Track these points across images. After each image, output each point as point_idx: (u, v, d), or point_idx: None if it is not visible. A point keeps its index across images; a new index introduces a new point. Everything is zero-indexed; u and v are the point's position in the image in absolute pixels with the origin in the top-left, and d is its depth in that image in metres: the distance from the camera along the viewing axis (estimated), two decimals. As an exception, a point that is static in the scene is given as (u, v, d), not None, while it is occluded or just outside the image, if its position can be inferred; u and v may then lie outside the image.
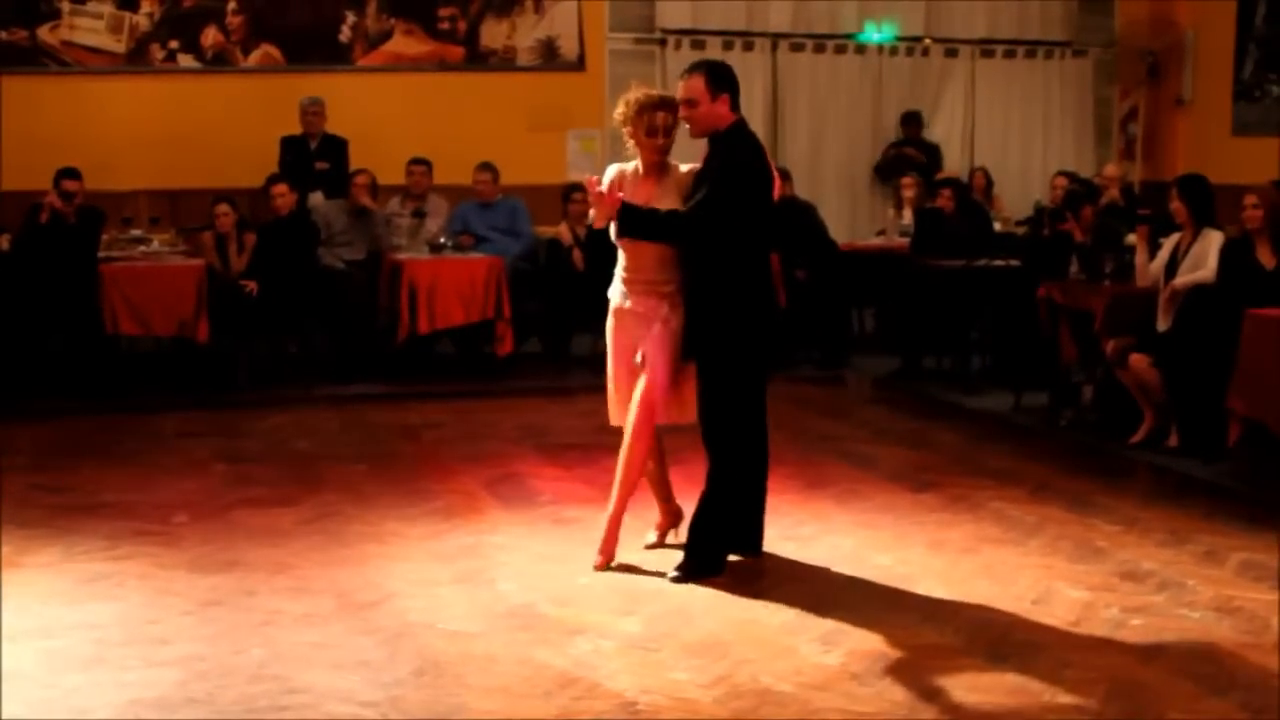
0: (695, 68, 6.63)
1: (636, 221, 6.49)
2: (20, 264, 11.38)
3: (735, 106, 6.58)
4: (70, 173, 11.61)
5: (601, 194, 6.49)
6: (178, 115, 13.68)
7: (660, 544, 7.05)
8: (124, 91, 13.72)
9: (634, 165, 6.76)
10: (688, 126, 6.63)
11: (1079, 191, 10.96)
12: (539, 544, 7.18)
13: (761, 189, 6.58)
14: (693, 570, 6.57)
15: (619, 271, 6.79)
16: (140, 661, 5.52)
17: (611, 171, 6.79)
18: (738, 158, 6.51)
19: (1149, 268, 9.67)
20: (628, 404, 6.74)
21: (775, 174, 6.74)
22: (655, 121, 6.58)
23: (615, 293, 6.80)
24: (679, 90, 6.61)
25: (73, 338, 11.31)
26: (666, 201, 6.58)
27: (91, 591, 6.41)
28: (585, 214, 12.40)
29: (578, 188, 12.29)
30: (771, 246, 6.82)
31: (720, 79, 6.54)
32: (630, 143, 6.72)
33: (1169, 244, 9.59)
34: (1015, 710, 5.08)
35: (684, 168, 6.68)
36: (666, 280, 6.65)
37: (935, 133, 15.78)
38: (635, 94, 6.65)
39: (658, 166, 6.69)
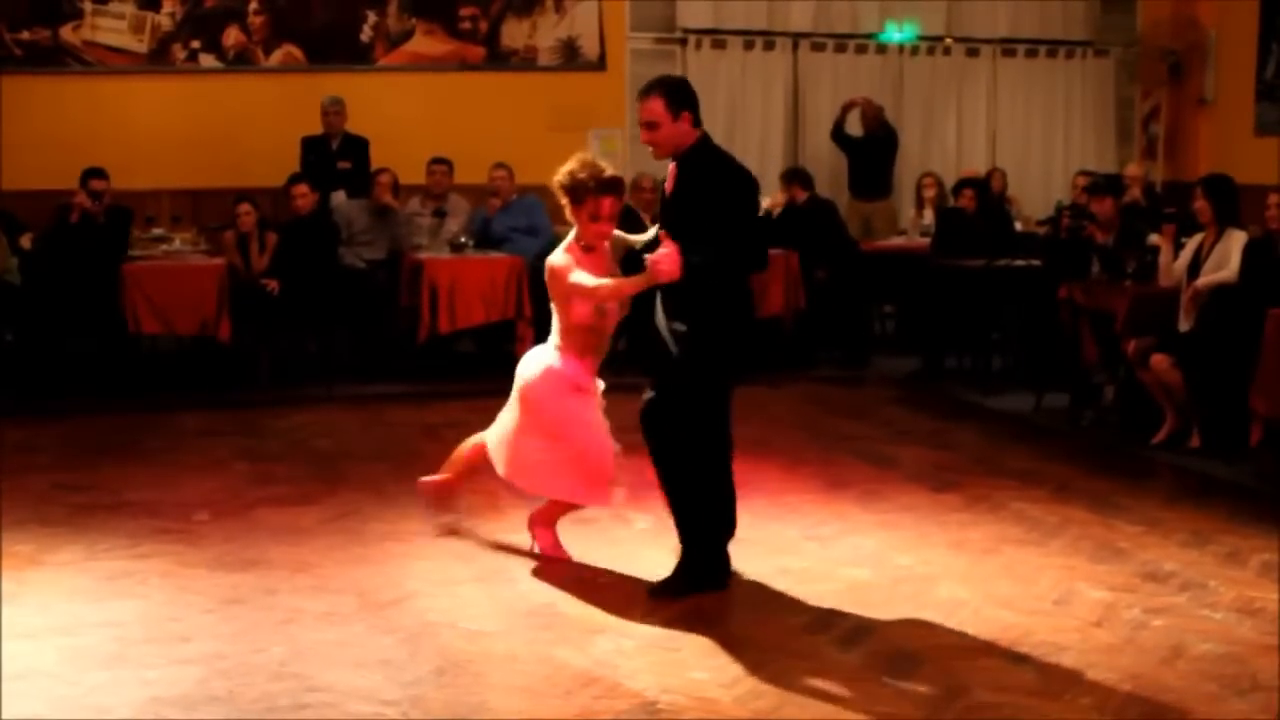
0: (651, 88, 6.31)
1: (707, 269, 6.13)
2: (49, 263, 11.46)
3: (697, 122, 6.33)
4: (98, 172, 11.69)
5: (663, 256, 6.04)
6: (199, 115, 13.72)
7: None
8: (146, 91, 13.76)
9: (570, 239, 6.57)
10: (651, 150, 6.39)
11: (1101, 183, 10.92)
12: (559, 543, 7.18)
13: (750, 203, 6.40)
14: (681, 587, 6.37)
15: (557, 339, 6.65)
16: (162, 659, 5.54)
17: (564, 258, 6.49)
18: (726, 170, 6.29)
19: (1173, 268, 9.64)
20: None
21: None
22: (600, 209, 6.40)
23: (579, 372, 6.63)
24: (639, 113, 6.37)
25: (99, 337, 11.35)
26: (604, 269, 6.46)
27: (113, 589, 6.43)
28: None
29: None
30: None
31: (679, 97, 6.27)
32: (566, 211, 6.53)
33: (1192, 244, 9.57)
34: (1036, 710, 5.07)
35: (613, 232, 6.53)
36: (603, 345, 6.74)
37: (955, 133, 15.76)
38: (583, 170, 6.40)
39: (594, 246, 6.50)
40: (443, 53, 14.44)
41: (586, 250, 6.52)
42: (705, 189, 6.24)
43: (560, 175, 6.48)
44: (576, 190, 6.41)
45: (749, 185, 6.33)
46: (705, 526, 6.47)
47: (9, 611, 6.08)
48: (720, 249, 6.14)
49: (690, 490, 6.43)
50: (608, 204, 6.40)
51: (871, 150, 14.65)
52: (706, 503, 6.45)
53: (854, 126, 14.76)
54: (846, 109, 14.67)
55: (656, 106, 6.26)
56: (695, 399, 6.32)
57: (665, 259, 6.00)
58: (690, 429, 6.33)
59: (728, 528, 6.52)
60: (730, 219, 6.21)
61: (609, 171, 6.46)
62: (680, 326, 6.28)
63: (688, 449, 6.35)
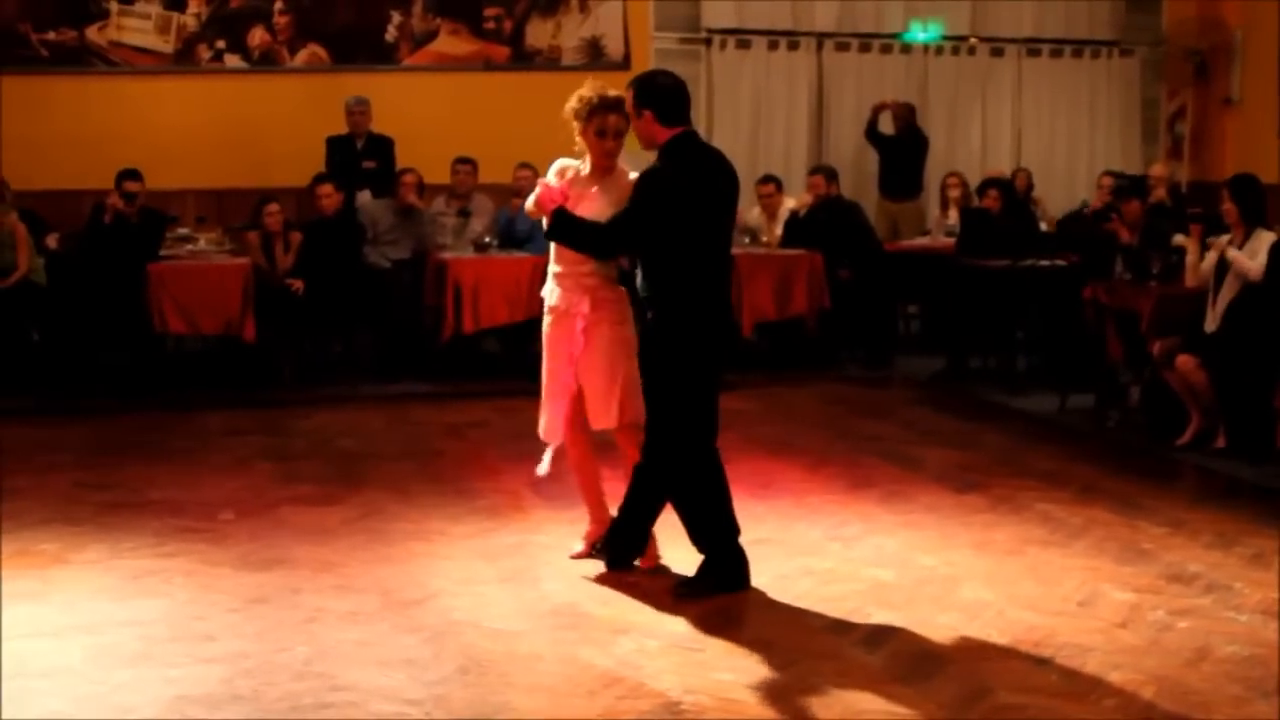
0: (630, 83, 6.50)
1: (564, 227, 6.47)
2: (80, 263, 11.51)
3: (673, 120, 6.36)
4: (131, 174, 11.73)
5: (549, 188, 6.53)
6: (224, 115, 13.76)
7: (587, 554, 6.90)
8: (171, 91, 13.80)
9: (580, 164, 6.69)
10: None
11: (1126, 185, 10.90)
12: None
13: (688, 203, 6.31)
14: (705, 586, 6.43)
15: (550, 268, 6.75)
16: (186, 658, 5.55)
17: (556, 166, 6.74)
18: (658, 174, 6.33)
19: (1200, 268, 9.61)
20: (561, 413, 6.74)
21: (720, 187, 6.49)
22: (606, 124, 6.50)
23: (547, 290, 6.76)
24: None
25: (127, 337, 11.39)
26: (607, 203, 6.49)
27: (138, 588, 6.45)
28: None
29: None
30: (719, 261, 6.50)
31: (645, 94, 6.38)
32: (579, 140, 6.63)
33: (1219, 248, 9.52)
34: (1060, 712, 5.05)
35: (632, 175, 6.55)
36: (589, 272, 6.59)
37: (980, 133, 15.74)
38: (589, 91, 6.56)
39: (604, 169, 6.61)
40: (467, 52, 14.46)
41: (589, 173, 6.63)
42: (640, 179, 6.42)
43: (569, 103, 6.61)
44: (583, 109, 6.56)
45: (665, 187, 6.30)
46: (717, 527, 6.49)
47: (35, 610, 6.11)
48: (599, 225, 6.42)
49: (692, 491, 6.49)
50: (613, 119, 6.51)
51: (903, 150, 14.63)
52: (711, 503, 6.49)
53: (887, 126, 14.75)
54: (878, 110, 14.66)
55: (628, 100, 6.44)
56: (669, 396, 6.37)
57: (546, 187, 6.54)
58: (675, 426, 6.38)
59: (735, 527, 6.54)
60: (627, 208, 6.36)
61: (613, 93, 6.58)
62: (649, 316, 6.42)
63: (678, 447, 6.41)
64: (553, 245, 6.67)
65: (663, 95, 6.39)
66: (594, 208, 6.51)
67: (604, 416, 6.66)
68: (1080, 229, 12.16)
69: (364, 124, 13.28)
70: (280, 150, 13.44)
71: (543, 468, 6.87)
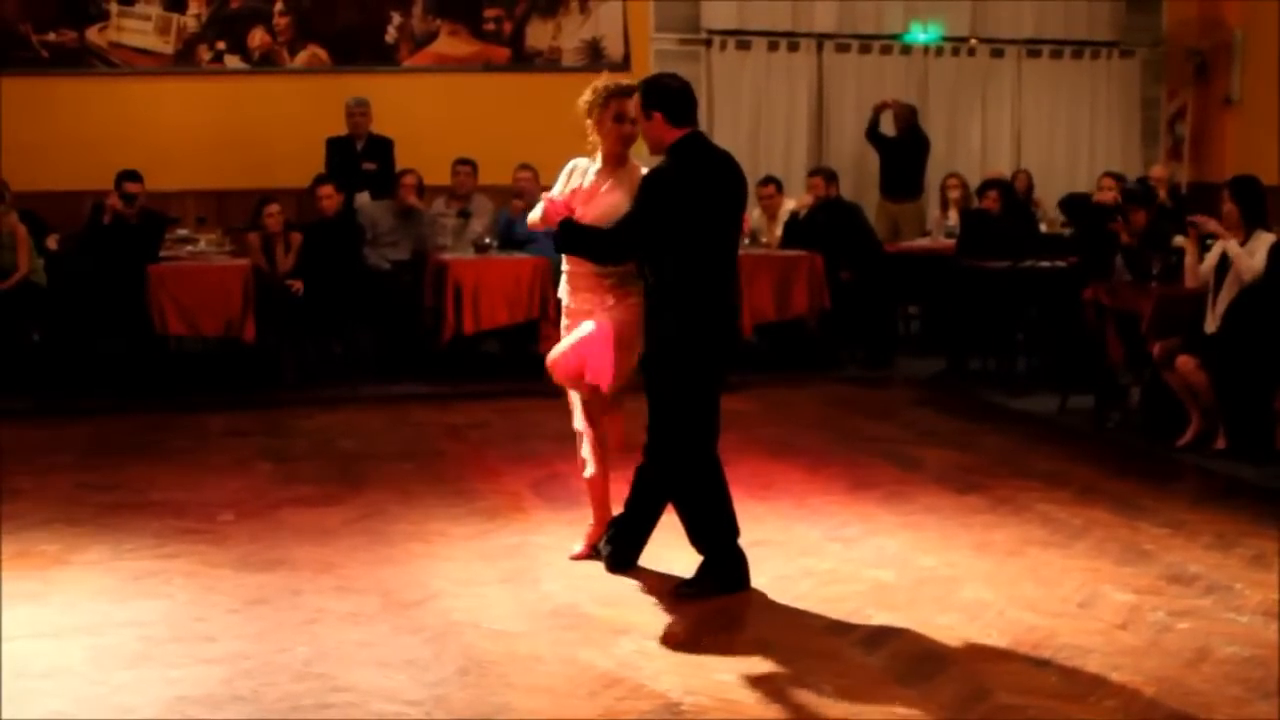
0: (638, 85, 6.52)
1: (572, 237, 6.48)
2: (79, 264, 11.51)
3: (681, 121, 6.36)
4: (131, 175, 11.72)
5: (553, 201, 6.56)
6: (224, 116, 13.77)
7: (587, 554, 6.92)
8: (171, 92, 13.82)
9: (591, 160, 6.71)
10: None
11: (1137, 192, 10.87)
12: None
13: (694, 204, 6.30)
14: (705, 586, 6.43)
15: (563, 267, 6.77)
16: (187, 659, 5.56)
17: (569, 167, 6.76)
18: (663, 174, 6.34)
19: (1199, 269, 9.61)
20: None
21: (727, 190, 6.49)
22: (624, 108, 6.52)
23: (562, 291, 6.78)
24: None
25: (129, 339, 11.39)
26: (622, 195, 6.49)
27: (139, 589, 6.45)
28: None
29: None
30: (724, 262, 6.48)
31: (651, 96, 6.39)
32: (592, 135, 6.64)
33: (1219, 245, 9.52)
34: (1060, 713, 5.05)
35: (644, 169, 6.54)
36: (607, 273, 6.57)
37: (980, 133, 15.75)
38: (602, 82, 6.63)
39: (617, 158, 6.61)
40: (467, 54, 14.47)
41: (602, 166, 6.66)
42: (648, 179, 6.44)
43: (584, 96, 6.66)
44: (600, 97, 6.60)
45: (664, 190, 6.30)
46: (717, 528, 6.48)
47: (35, 610, 6.12)
48: (606, 231, 6.43)
49: (693, 492, 6.48)
50: (630, 104, 6.52)
51: (904, 151, 14.63)
52: (711, 504, 6.48)
53: (888, 126, 14.76)
54: (879, 110, 14.67)
55: (636, 104, 6.47)
56: (673, 398, 6.37)
57: (550, 201, 6.55)
58: (677, 427, 6.39)
59: (735, 528, 6.54)
60: (631, 211, 6.37)
61: (628, 82, 6.66)
62: (654, 322, 6.40)
63: (680, 448, 6.42)
64: None
65: (671, 97, 6.40)
66: (609, 200, 6.52)
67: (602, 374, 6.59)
68: (1083, 211, 12.13)
69: (364, 125, 13.29)
70: (280, 151, 13.45)
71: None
